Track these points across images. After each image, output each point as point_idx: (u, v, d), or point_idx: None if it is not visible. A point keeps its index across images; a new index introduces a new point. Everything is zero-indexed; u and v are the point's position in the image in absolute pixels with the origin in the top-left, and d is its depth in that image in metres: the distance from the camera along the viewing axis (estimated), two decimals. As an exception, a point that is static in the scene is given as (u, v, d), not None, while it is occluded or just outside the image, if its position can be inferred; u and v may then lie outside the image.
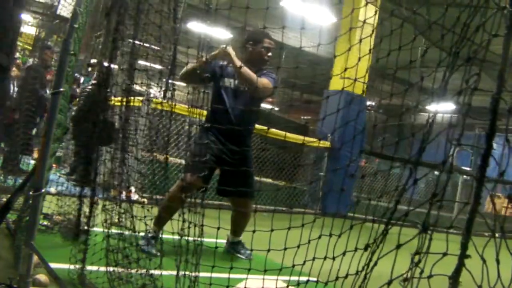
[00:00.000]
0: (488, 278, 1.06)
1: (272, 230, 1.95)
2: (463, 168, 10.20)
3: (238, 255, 3.81)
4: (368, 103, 16.35)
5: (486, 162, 1.04)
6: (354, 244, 1.56)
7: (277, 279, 1.91)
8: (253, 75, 3.42)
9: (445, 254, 1.14)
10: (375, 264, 1.33)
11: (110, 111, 2.89)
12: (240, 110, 3.56)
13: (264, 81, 3.51)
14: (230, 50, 3.37)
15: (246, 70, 3.42)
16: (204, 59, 3.20)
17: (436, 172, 1.34)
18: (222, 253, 3.86)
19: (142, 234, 2.94)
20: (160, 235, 3.29)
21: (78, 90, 7.27)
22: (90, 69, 5.52)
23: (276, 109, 21.80)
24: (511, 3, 1.06)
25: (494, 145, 1.16)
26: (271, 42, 3.72)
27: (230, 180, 3.68)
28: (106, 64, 2.72)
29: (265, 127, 4.80)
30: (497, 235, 1.11)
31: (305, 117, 18.85)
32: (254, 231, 2.00)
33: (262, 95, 3.71)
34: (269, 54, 3.70)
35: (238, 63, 3.39)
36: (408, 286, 1.18)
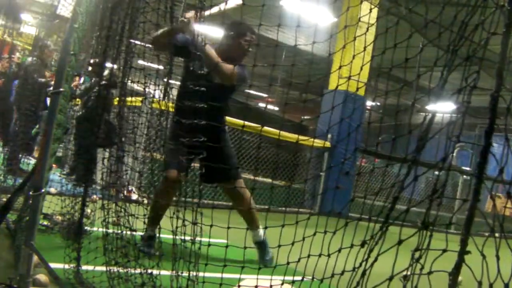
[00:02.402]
0: (488, 275, 1.07)
1: (266, 228, 1.95)
2: (464, 168, 10.19)
3: (261, 260, 3.59)
4: (371, 103, 16.33)
5: (485, 159, 1.04)
6: (350, 241, 1.56)
7: (271, 278, 1.91)
8: (215, 56, 3.23)
9: (444, 251, 1.14)
10: (375, 260, 1.33)
11: (112, 112, 2.90)
12: (206, 91, 3.29)
13: (228, 67, 3.29)
14: (190, 16, 3.00)
15: (209, 49, 3.21)
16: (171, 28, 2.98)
17: (436, 172, 1.35)
18: (215, 251, 3.84)
19: (140, 233, 2.94)
20: (157, 234, 3.28)
21: (78, 90, 7.28)
22: (90, 68, 5.53)
23: (276, 108, 21.81)
24: (510, 1, 1.06)
25: (495, 145, 1.17)
26: (253, 36, 3.61)
27: (209, 165, 3.41)
28: (110, 64, 2.72)
29: (261, 126, 4.78)
30: (496, 234, 1.11)
31: (305, 117, 18.83)
32: (247, 229, 1.99)
33: (223, 79, 3.45)
34: (250, 49, 3.59)
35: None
36: (408, 283, 1.18)
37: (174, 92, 2.54)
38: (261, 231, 3.68)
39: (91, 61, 4.06)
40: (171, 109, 2.58)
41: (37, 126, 6.62)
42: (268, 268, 1.95)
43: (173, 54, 3.07)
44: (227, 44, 3.58)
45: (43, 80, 6.03)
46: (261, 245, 3.66)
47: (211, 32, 10.47)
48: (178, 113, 3.25)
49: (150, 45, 3.09)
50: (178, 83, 3.45)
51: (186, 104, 3.19)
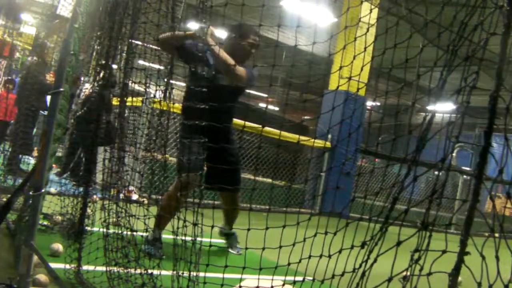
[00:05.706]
0: (487, 276, 1.07)
1: (267, 228, 1.94)
2: (464, 168, 10.19)
3: (230, 250, 3.82)
4: (371, 103, 16.34)
5: (485, 159, 1.04)
6: (350, 242, 1.56)
7: (272, 278, 1.91)
8: (230, 58, 3.29)
9: (444, 252, 1.14)
10: (375, 261, 1.33)
11: (112, 112, 2.90)
12: (218, 104, 3.36)
13: (240, 69, 3.39)
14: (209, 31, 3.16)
15: (223, 52, 3.31)
16: (183, 33, 3.09)
17: (436, 172, 1.35)
18: (216, 251, 3.86)
19: (146, 235, 2.92)
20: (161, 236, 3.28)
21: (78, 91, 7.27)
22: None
23: (276, 109, 21.82)
24: (509, 2, 1.06)
25: (495, 145, 1.17)
26: (256, 38, 3.65)
27: (217, 174, 3.57)
28: (111, 65, 2.72)
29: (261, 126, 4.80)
30: (496, 234, 1.11)
31: (306, 117, 18.84)
32: (248, 229, 1.98)
33: (235, 81, 3.53)
34: (253, 50, 3.62)
35: (213, 42, 3.21)
36: (407, 284, 1.18)
37: (175, 92, 2.54)
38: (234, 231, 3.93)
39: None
40: (172, 110, 2.58)
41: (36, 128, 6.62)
42: (269, 269, 1.95)
43: (179, 57, 3.14)
44: (231, 45, 3.58)
45: (48, 82, 6.02)
46: (233, 235, 3.88)
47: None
48: (187, 114, 3.32)
49: (157, 44, 3.02)
50: (179, 83, 3.45)
51: (194, 105, 3.28)
